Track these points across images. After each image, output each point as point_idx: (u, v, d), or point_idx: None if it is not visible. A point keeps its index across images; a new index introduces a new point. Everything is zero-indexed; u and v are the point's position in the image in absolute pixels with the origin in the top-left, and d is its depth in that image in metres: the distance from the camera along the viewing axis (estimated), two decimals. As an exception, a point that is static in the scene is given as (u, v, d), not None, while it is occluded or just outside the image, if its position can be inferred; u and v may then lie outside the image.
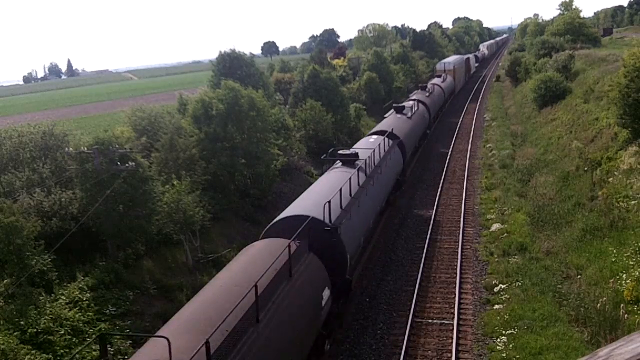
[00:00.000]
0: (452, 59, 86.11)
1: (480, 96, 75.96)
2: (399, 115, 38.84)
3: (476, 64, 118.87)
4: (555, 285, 19.91)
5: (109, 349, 16.66)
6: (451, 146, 46.65)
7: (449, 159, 42.43)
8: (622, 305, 16.72)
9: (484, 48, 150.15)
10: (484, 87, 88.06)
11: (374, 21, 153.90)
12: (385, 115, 40.35)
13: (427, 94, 51.04)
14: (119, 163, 21.44)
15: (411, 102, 43.67)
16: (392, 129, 32.22)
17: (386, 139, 29.09)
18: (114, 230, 21.40)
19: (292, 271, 13.84)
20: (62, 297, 18.14)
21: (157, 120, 32.36)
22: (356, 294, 21.26)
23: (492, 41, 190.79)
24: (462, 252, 24.47)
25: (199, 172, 27.41)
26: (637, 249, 19.12)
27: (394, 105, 41.89)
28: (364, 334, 18.60)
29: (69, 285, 18.91)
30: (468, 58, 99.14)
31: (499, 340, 17.21)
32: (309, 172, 39.15)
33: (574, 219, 24.48)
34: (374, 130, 34.79)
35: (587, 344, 16.19)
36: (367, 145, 27.94)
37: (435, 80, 64.11)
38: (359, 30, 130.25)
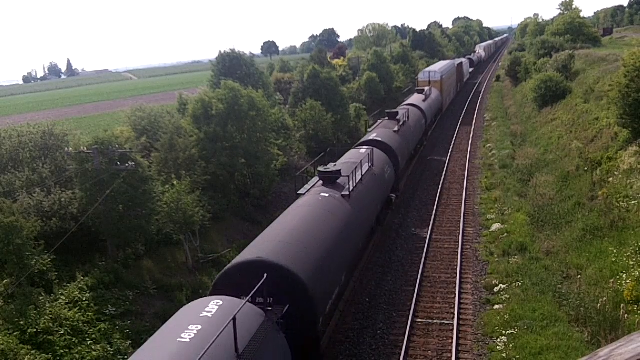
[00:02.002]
0: (439, 66, 66.91)
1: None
2: (325, 194, 18.94)
3: (471, 69, 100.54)
4: (556, 285, 19.90)
5: (109, 349, 16.68)
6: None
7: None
8: (622, 305, 16.71)
9: (480, 50, 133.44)
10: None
11: (374, 21, 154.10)
12: (302, 192, 20.18)
13: (397, 128, 33.26)
14: (118, 163, 21.44)
15: (364, 152, 25.35)
16: (279, 263, 13.45)
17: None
18: (114, 230, 21.40)
19: None
20: (62, 297, 18.14)
21: (157, 120, 32.38)
22: (356, 293, 21.24)
23: (490, 42, 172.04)
24: (462, 252, 24.47)
25: (199, 172, 27.42)
26: (637, 249, 19.10)
27: (319, 171, 21.00)
28: (364, 334, 18.59)
29: (68, 285, 18.91)
30: (460, 63, 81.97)
31: (499, 340, 17.20)
32: (309, 172, 39.14)
33: (574, 219, 24.47)
34: (237, 261, 14.11)
35: (587, 344, 16.18)
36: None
37: (414, 100, 47.11)
38: (359, 30, 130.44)
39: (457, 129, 53.51)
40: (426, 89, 51.14)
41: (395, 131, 32.79)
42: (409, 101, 46.81)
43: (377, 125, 35.25)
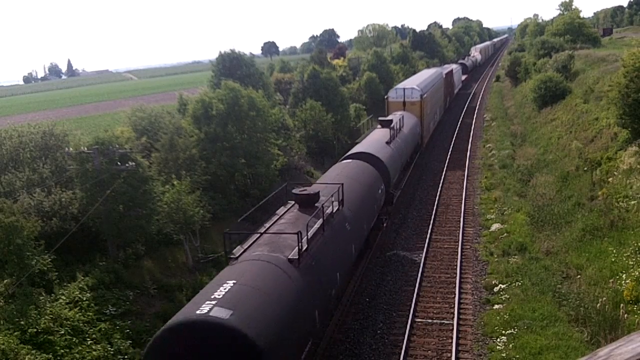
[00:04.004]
0: (419, 79, 47.93)
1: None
2: None
3: (464, 77, 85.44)
4: (555, 285, 19.92)
5: (109, 349, 16.69)
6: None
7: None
8: (621, 305, 16.73)
9: (476, 52, 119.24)
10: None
11: (374, 21, 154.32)
12: None
13: (300, 249, 13.80)
14: (119, 163, 21.46)
15: None
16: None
17: None
18: (114, 230, 21.41)
19: None
20: (62, 297, 18.16)
21: (157, 120, 32.39)
22: (356, 294, 21.24)
23: (487, 43, 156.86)
24: (462, 252, 24.49)
25: (199, 172, 27.44)
26: (637, 249, 19.13)
27: None
28: (364, 334, 18.60)
29: (69, 285, 18.92)
30: (450, 72, 66.35)
31: (498, 340, 17.22)
32: (309, 172, 39.15)
33: (573, 219, 24.49)
34: None
35: (587, 344, 16.20)
36: None
37: (371, 143, 28.81)
38: (359, 31, 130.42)
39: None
40: (396, 117, 35.49)
41: (291, 261, 13.63)
42: (361, 147, 27.85)
43: (252, 242, 14.81)
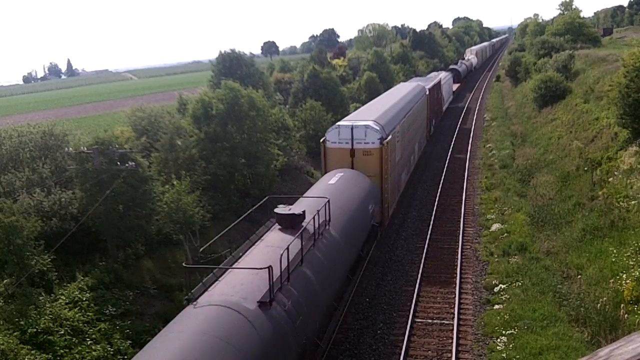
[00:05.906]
0: (382, 107, 29.52)
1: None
2: None
3: (455, 87, 70.79)
4: (555, 285, 19.92)
5: (109, 349, 16.69)
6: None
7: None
8: (622, 305, 16.72)
9: (471, 55, 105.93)
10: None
11: (374, 21, 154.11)
12: None
13: None
14: (119, 163, 21.44)
15: None
16: None
17: None
18: (114, 230, 21.40)
19: None
20: (62, 297, 18.15)
21: (157, 120, 32.38)
22: (356, 294, 21.22)
23: (485, 44, 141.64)
24: (462, 252, 24.47)
25: (199, 172, 27.43)
26: (637, 249, 19.12)
27: None
28: (364, 334, 18.59)
29: (68, 285, 18.92)
30: (437, 85, 50.38)
31: (499, 340, 17.21)
32: (309, 172, 39.14)
33: (574, 219, 24.48)
34: None
35: (587, 344, 16.19)
36: None
37: (213, 323, 10.42)
38: (359, 30, 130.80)
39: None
40: (316, 202, 17.65)
41: None
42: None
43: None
